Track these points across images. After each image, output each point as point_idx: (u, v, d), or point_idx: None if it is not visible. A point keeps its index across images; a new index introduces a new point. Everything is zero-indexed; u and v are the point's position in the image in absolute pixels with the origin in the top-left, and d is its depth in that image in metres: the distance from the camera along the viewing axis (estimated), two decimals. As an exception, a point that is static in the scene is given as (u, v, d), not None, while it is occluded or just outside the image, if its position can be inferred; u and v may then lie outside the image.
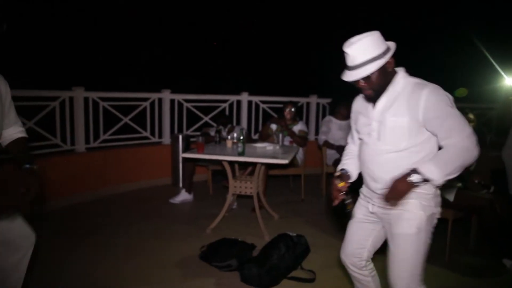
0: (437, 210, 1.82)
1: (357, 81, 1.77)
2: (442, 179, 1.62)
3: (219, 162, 4.93)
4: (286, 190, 5.45)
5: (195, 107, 5.94)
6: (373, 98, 1.82)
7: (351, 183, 2.03)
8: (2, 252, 1.89)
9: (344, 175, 2.00)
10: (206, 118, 5.99)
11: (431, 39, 13.49)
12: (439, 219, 1.86)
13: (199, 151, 3.65)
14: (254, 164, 4.19)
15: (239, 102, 6.22)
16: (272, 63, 15.10)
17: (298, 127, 4.92)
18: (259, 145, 4.14)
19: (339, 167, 2.07)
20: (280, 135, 4.30)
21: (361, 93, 1.86)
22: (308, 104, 6.63)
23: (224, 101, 6.12)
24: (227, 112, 6.05)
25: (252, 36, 15.21)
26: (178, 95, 5.77)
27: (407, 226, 1.76)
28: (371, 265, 2.09)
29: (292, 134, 4.77)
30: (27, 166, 1.82)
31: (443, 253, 3.33)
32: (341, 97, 5.11)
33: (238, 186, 3.79)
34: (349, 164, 2.06)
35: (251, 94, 6.24)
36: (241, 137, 3.56)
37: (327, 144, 4.97)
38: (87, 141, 4.98)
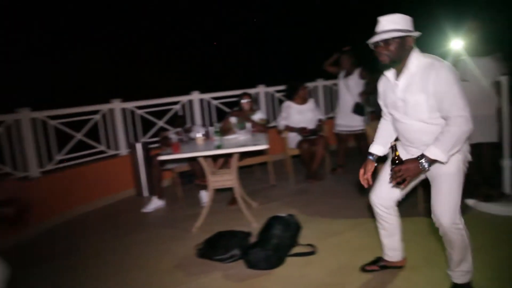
0: (469, 155, 2.20)
1: (378, 45, 2.06)
2: (447, 157, 1.94)
3: (185, 162, 4.93)
4: (253, 180, 5.53)
5: (147, 113, 5.79)
6: (386, 66, 2.13)
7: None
8: None
9: (372, 163, 2.40)
10: (160, 123, 5.87)
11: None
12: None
13: (175, 151, 3.60)
14: (225, 157, 4.25)
15: (190, 102, 6.17)
16: (216, 60, 15.03)
17: (258, 116, 5.02)
18: (228, 137, 4.18)
19: (370, 151, 2.44)
20: (246, 125, 4.35)
21: (379, 58, 2.11)
22: (257, 94, 6.75)
23: (176, 102, 6.03)
24: (180, 113, 5.98)
25: (194, 35, 15.00)
26: (128, 103, 5.58)
27: (450, 167, 2.06)
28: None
29: (254, 123, 4.86)
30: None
31: (416, 204, 3.64)
32: (297, 81, 5.29)
33: (217, 180, 3.80)
34: (378, 148, 2.42)
35: (201, 92, 6.22)
36: (217, 131, 3.58)
37: (289, 128, 5.12)
38: (41, 164, 4.67)
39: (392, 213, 2.46)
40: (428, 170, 1.99)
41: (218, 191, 4.11)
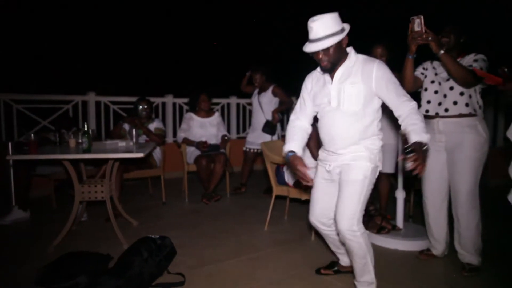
0: (380, 164, 2.24)
1: (317, 53, 2.08)
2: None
3: (64, 170, 4.24)
4: (145, 195, 4.98)
5: (28, 109, 5.01)
6: (328, 70, 2.16)
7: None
8: None
9: (297, 157, 2.22)
10: (44, 122, 5.12)
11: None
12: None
13: (32, 151, 2.98)
14: (105, 164, 3.68)
15: (85, 103, 5.49)
16: (123, 63, 14.14)
17: (154, 125, 4.55)
18: (110, 141, 3.64)
19: (286, 148, 2.29)
20: (134, 131, 3.83)
21: (319, 64, 2.16)
22: (164, 104, 6.26)
23: (67, 102, 5.33)
24: (71, 114, 5.28)
25: (103, 33, 13.98)
26: (4, 94, 4.79)
27: (356, 174, 2.15)
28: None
29: (148, 132, 4.37)
30: None
31: (310, 234, 3.38)
32: (199, 91, 4.89)
33: (86, 191, 3.22)
34: (295, 144, 2.30)
35: (98, 94, 5.58)
36: (85, 132, 3.03)
37: (187, 141, 4.68)
38: None
39: (334, 228, 2.41)
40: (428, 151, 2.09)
41: (99, 203, 3.53)
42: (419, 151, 1.90)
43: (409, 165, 1.90)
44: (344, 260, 2.67)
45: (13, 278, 2.66)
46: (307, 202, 3.29)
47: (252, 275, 2.71)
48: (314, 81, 2.32)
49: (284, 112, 5.08)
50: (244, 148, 5.13)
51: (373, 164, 2.17)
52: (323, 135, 2.30)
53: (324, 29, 2.02)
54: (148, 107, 4.57)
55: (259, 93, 5.00)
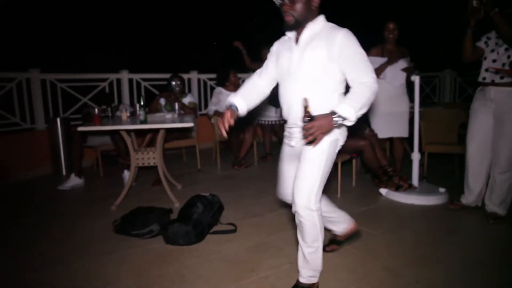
0: (342, 137, 2.07)
1: (283, 4, 1.98)
2: (355, 117, 1.84)
3: (109, 141, 4.72)
4: (181, 164, 5.46)
5: (70, 87, 5.45)
6: (291, 27, 2.03)
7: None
8: None
9: (232, 111, 2.10)
10: (85, 99, 5.56)
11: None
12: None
13: (96, 122, 3.43)
14: (151, 133, 4.17)
15: (119, 81, 5.92)
16: (150, 40, 14.43)
17: (187, 99, 4.96)
18: (158, 114, 4.08)
19: (230, 100, 2.17)
20: (176, 105, 4.27)
21: (284, 17, 2.01)
22: (189, 80, 6.65)
23: (103, 79, 5.76)
24: (107, 91, 5.72)
25: (130, 12, 14.20)
26: (50, 74, 5.22)
27: (316, 148, 1.95)
28: None
29: (183, 106, 4.80)
30: None
31: (336, 192, 3.88)
32: (228, 68, 5.29)
33: (140, 158, 3.69)
34: (240, 100, 2.17)
35: (131, 72, 5.99)
36: (141, 106, 3.47)
37: (218, 113, 5.12)
38: None
39: None
40: (339, 127, 1.92)
41: (142, 171, 4.00)
42: (319, 121, 1.79)
43: (301, 133, 1.89)
44: (338, 231, 2.62)
45: (92, 230, 3.16)
46: (334, 165, 3.75)
47: (287, 225, 3.19)
48: (280, 44, 2.20)
49: None
50: (260, 121, 5.53)
51: (331, 138, 1.99)
52: (282, 104, 2.16)
53: None
54: (181, 83, 4.97)
55: None
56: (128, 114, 4.01)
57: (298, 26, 2.02)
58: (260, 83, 2.28)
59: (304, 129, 1.81)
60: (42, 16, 12.45)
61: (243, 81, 7.10)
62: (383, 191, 3.90)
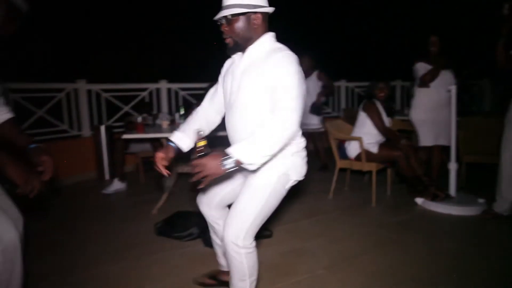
0: (293, 173, 1.85)
1: (221, 24, 1.78)
2: (254, 160, 1.59)
3: (149, 148, 4.94)
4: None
5: (114, 97, 5.74)
6: (232, 49, 1.83)
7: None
8: None
9: (169, 149, 1.93)
10: (126, 108, 5.84)
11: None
12: (363, 171, 2.15)
13: (139, 131, 3.63)
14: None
15: (158, 90, 6.18)
16: (189, 51, 14.83)
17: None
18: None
19: (172, 136, 1.99)
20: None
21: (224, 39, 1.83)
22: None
23: (143, 89, 6.03)
24: (147, 100, 5.98)
25: (168, 23, 14.69)
26: (95, 85, 5.53)
27: (257, 178, 1.79)
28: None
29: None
30: (34, 146, 1.73)
31: (370, 201, 3.90)
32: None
33: (180, 164, 3.86)
34: (181, 136, 1.97)
35: (170, 81, 6.24)
36: (182, 115, 3.64)
37: None
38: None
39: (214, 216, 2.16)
40: (232, 169, 1.60)
41: (181, 177, 4.16)
42: (207, 159, 1.57)
43: (190, 168, 1.71)
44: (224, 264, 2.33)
45: (136, 232, 3.33)
46: (368, 173, 3.79)
47: (322, 231, 3.27)
48: (228, 66, 1.98)
49: (328, 95, 5.55)
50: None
51: (279, 172, 1.79)
52: (227, 131, 1.92)
53: None
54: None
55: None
56: (168, 122, 4.20)
57: (240, 49, 1.82)
58: (209, 112, 2.05)
59: (192, 165, 1.60)
60: (87, 29, 13.12)
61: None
62: (419, 200, 3.88)
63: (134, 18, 14.27)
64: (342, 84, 7.91)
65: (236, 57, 1.89)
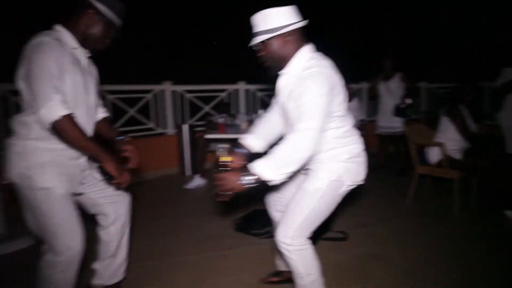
0: (348, 178, 1.87)
1: (256, 50, 1.85)
2: (273, 175, 1.63)
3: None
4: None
5: (195, 97, 6.09)
6: (271, 71, 1.89)
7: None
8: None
9: (240, 155, 2.06)
10: (207, 108, 6.16)
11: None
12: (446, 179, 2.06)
13: (221, 131, 3.84)
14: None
15: (236, 91, 6.42)
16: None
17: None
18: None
19: (243, 140, 2.12)
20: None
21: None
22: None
23: (223, 90, 6.31)
24: (226, 101, 6.26)
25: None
26: (179, 86, 5.91)
27: (309, 182, 1.87)
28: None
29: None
30: (120, 138, 2.07)
31: (452, 210, 3.72)
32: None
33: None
34: (251, 137, 2.11)
35: (248, 83, 6.46)
36: (257, 116, 3.78)
37: None
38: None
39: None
40: (252, 185, 1.66)
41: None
42: (227, 174, 1.67)
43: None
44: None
45: (215, 226, 3.55)
46: (449, 181, 3.63)
47: (398, 237, 3.23)
48: (278, 84, 2.01)
49: (412, 96, 5.36)
50: (378, 132, 5.53)
51: (332, 177, 1.84)
52: None
53: (260, 23, 1.78)
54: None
55: (385, 79, 5.34)
56: (247, 123, 4.38)
57: (280, 68, 1.87)
58: (274, 116, 2.13)
59: (215, 178, 1.70)
60: (173, 37, 14.03)
61: (354, 91, 7.16)
62: (509, 213, 3.63)
63: (213, 25, 14.91)
64: (423, 85, 7.58)
65: (281, 75, 1.92)
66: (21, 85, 1.72)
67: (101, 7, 1.78)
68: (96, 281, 2.26)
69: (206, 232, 3.41)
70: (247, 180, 1.63)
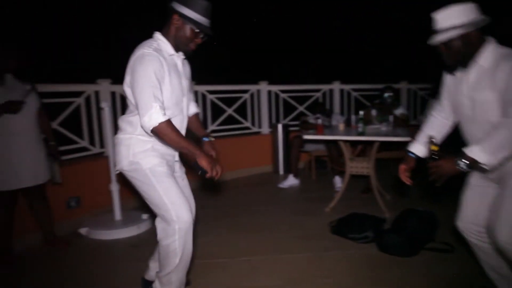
0: None
1: (439, 46, 1.83)
2: (491, 159, 1.61)
3: (323, 147, 5.15)
4: (388, 174, 5.48)
5: (290, 97, 6.16)
6: (452, 67, 1.89)
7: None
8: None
9: (410, 159, 2.18)
10: (301, 108, 6.19)
11: None
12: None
13: (319, 132, 3.84)
14: (364, 145, 4.35)
15: (331, 91, 6.36)
16: (363, 51, 14.89)
17: (399, 111, 4.95)
18: (370, 126, 4.26)
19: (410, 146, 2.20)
20: (391, 118, 4.35)
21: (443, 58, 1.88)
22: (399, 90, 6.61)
23: (317, 90, 6.29)
24: (320, 101, 6.23)
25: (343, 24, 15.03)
26: (274, 86, 6.02)
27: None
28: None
29: (395, 117, 4.82)
30: (207, 139, 2.24)
31: None
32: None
33: (355, 166, 3.93)
34: (417, 145, 2.16)
35: (342, 82, 6.35)
36: (360, 118, 3.70)
37: None
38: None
39: (484, 240, 2.04)
40: (468, 171, 1.68)
41: (352, 178, 4.23)
42: (442, 161, 1.71)
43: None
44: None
45: (310, 227, 3.56)
46: None
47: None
48: (450, 81, 2.02)
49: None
50: None
51: None
52: (466, 135, 1.99)
53: (445, 20, 1.79)
54: (394, 94, 5.00)
55: None
56: (344, 124, 4.31)
57: (460, 65, 1.87)
58: (439, 119, 2.15)
59: (429, 166, 1.77)
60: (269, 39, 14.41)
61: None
62: None
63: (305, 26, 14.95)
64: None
65: (458, 73, 1.92)
66: (127, 91, 2.00)
67: (184, 10, 1.93)
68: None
69: (302, 232, 3.44)
70: (462, 163, 1.66)
